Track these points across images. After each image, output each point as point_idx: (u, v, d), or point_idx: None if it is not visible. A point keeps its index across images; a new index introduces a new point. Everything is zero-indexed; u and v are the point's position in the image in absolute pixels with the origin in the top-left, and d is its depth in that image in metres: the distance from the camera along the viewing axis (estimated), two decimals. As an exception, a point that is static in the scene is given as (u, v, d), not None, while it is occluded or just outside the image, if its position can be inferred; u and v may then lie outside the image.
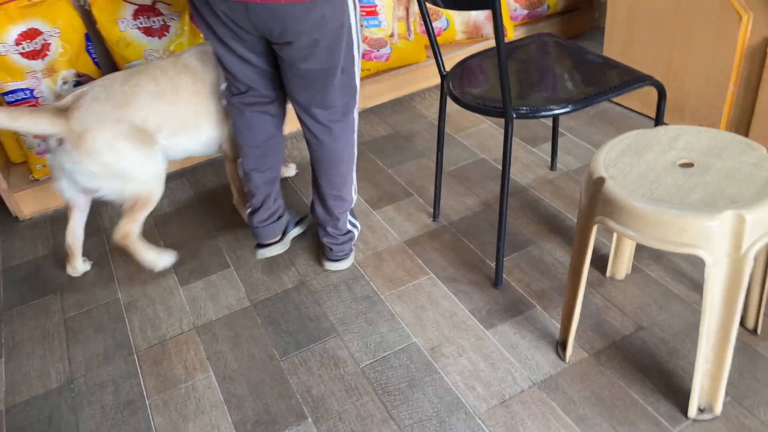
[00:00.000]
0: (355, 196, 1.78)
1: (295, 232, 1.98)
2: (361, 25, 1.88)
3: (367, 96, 2.67)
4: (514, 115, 1.49)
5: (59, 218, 2.26)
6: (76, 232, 1.91)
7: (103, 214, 2.24)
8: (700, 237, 1.13)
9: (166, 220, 2.19)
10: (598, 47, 2.81)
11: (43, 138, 1.72)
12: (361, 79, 2.65)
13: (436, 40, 1.67)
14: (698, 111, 2.12)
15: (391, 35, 2.58)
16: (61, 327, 1.80)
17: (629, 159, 1.29)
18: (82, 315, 1.83)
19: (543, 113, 1.50)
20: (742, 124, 2.01)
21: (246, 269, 1.92)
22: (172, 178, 2.40)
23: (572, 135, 2.31)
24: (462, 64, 1.76)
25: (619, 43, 2.32)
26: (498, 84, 1.62)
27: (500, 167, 2.20)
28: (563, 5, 2.85)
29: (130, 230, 1.80)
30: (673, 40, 2.10)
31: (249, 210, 1.84)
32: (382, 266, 1.85)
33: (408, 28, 2.12)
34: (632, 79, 1.53)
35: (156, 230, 2.15)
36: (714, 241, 1.13)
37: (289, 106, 1.73)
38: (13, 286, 1.98)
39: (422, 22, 2.45)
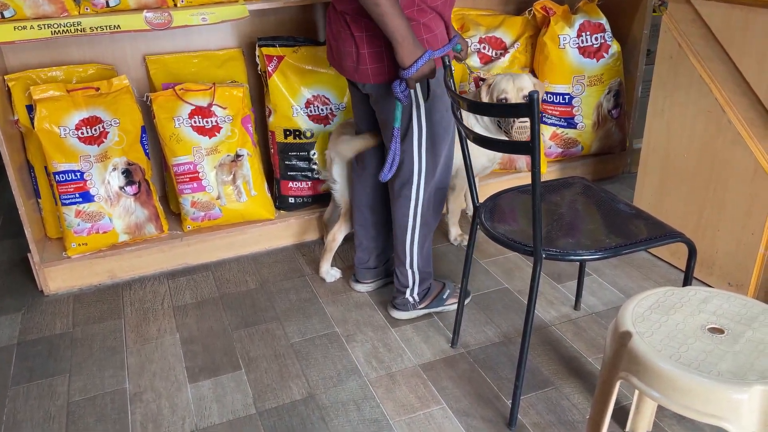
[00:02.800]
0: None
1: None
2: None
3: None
4: (544, 256, 1.51)
5: (82, 298, 2.29)
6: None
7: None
8: (728, 409, 1.09)
9: (185, 311, 2.20)
10: (628, 192, 2.87)
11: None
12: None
13: (472, 172, 1.73)
14: (727, 270, 2.11)
15: (218, 197, 2.43)
16: (63, 411, 1.77)
17: (657, 316, 1.28)
18: (87, 401, 1.81)
19: (571, 257, 1.52)
20: (772, 288, 2.00)
21: (257, 373, 1.89)
22: (197, 270, 2.44)
23: (598, 276, 2.31)
24: (495, 198, 1.81)
25: (650, 193, 2.37)
26: (529, 222, 1.66)
27: (523, 300, 2.19)
28: (597, 148, 2.95)
29: (336, 235, 2.28)
30: (705, 197, 2.14)
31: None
32: (394, 389, 1.81)
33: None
34: (663, 234, 1.55)
35: (174, 320, 2.15)
36: (742, 415, 1.09)
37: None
38: (25, 361, 1.98)
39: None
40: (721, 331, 1.23)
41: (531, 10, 2.80)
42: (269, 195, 2.53)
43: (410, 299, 2.07)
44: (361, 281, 2.25)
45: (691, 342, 1.20)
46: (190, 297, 2.28)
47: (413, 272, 2.03)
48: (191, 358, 1.97)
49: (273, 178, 2.61)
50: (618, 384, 1.25)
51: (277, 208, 2.59)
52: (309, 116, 2.47)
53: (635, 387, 1.20)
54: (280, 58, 2.40)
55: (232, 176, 2.42)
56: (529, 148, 1.35)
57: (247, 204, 2.46)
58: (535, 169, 1.37)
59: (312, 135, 2.49)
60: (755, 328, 1.23)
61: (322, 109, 2.47)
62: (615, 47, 2.76)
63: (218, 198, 2.42)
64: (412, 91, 1.76)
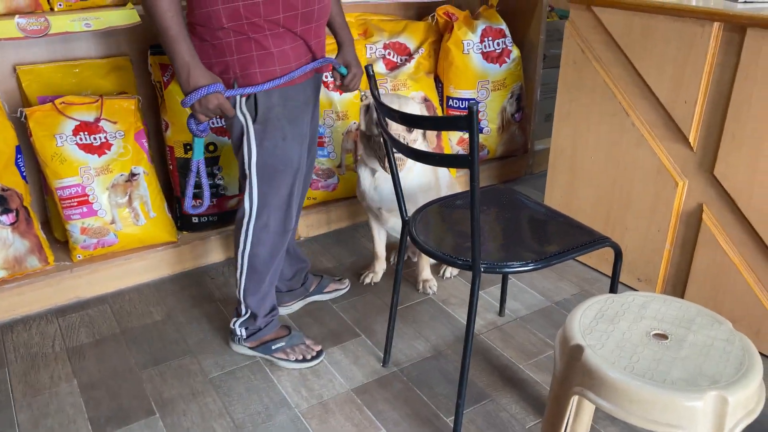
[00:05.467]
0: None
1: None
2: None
3: (310, 225, 2.62)
4: (482, 269, 1.47)
5: (-48, 346, 1.97)
6: None
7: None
8: (685, 417, 1.10)
9: (82, 353, 1.95)
10: (534, 193, 2.95)
11: None
12: (306, 207, 2.60)
13: (400, 185, 1.66)
14: (636, 266, 2.21)
15: (339, 166, 2.59)
16: (-59, 489, 1.50)
17: (604, 326, 1.27)
18: (-30, 473, 1.54)
19: (506, 270, 1.49)
20: (679, 283, 2.10)
21: (174, 417, 1.71)
22: (92, 304, 2.19)
23: (516, 280, 2.33)
24: (423, 210, 1.75)
25: (559, 193, 2.43)
26: (460, 235, 1.62)
27: (448, 309, 2.16)
28: (502, 151, 2.99)
29: None
30: (612, 196, 2.22)
31: None
32: (328, 418, 1.70)
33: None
34: (592, 240, 1.56)
35: (69, 364, 1.90)
36: (698, 422, 1.10)
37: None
38: None
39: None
40: (665, 337, 1.24)
41: (433, 15, 2.79)
42: (170, 216, 2.32)
43: (237, 331, 1.88)
44: (279, 304, 2.12)
45: (640, 351, 1.20)
46: (86, 335, 2.04)
47: (245, 305, 1.83)
48: (94, 406, 1.74)
49: (173, 196, 2.40)
50: (573, 400, 1.23)
51: (180, 229, 2.39)
52: (211, 128, 2.29)
53: (591, 401, 1.18)
54: (176, 67, 2.20)
55: (127, 197, 2.19)
56: (468, 161, 1.30)
57: (146, 227, 2.24)
58: (474, 183, 1.32)
59: (216, 149, 2.32)
60: (695, 330, 1.26)
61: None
62: (515, 52, 2.82)
63: (112, 222, 2.18)
64: (241, 115, 1.57)
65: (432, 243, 1.58)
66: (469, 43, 2.69)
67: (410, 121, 1.35)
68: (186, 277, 2.35)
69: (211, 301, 2.21)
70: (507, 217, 1.72)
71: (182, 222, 2.39)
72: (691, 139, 1.94)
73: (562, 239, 1.58)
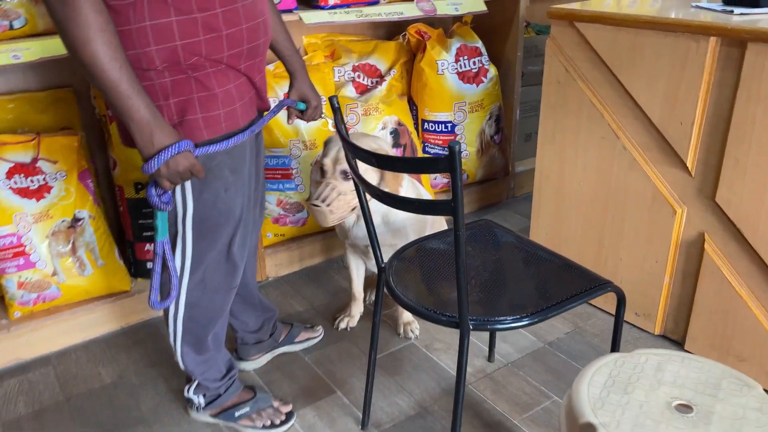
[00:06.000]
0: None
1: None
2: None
3: (278, 264, 2.41)
4: (471, 327, 1.28)
5: None
6: None
7: None
8: None
9: (19, 428, 1.71)
10: (518, 219, 2.78)
11: None
12: (274, 244, 2.40)
13: (374, 231, 1.47)
14: (633, 300, 2.04)
15: (308, 199, 2.39)
16: None
17: (617, 397, 1.09)
18: None
19: (498, 326, 1.30)
20: (681, 319, 1.93)
21: (123, 505, 1.48)
22: (33, 366, 1.95)
23: (505, 317, 2.14)
24: (400, 255, 1.56)
25: (546, 221, 2.26)
26: (444, 284, 1.43)
27: (432, 356, 1.97)
28: (482, 175, 2.83)
29: None
30: (604, 224, 2.06)
31: None
32: (301, 497, 1.49)
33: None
34: (592, 285, 1.38)
35: (4, 442, 1.66)
36: None
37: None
38: None
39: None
40: (689, 408, 1.06)
41: (404, 34, 2.62)
42: (122, 262, 2.10)
43: (194, 399, 1.67)
44: (245, 358, 1.90)
45: (663, 429, 1.02)
46: (24, 406, 1.80)
47: (187, 370, 1.61)
48: (30, 495, 1.51)
49: (125, 240, 2.18)
50: (587, 490, 1.04)
51: (133, 275, 2.16)
52: (164, 165, 2.07)
53: (608, 492, 0.99)
54: (123, 99, 1.99)
55: (70, 246, 1.96)
56: (450, 207, 1.12)
57: (93, 277, 2.01)
58: (458, 232, 1.13)
59: (170, 187, 2.10)
60: (722, 398, 1.08)
61: (179, 156, 2.09)
62: (493, 71, 2.66)
63: (54, 274, 1.95)
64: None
65: (412, 296, 1.39)
66: (443, 63, 2.52)
67: (385, 164, 1.16)
68: (141, 329, 2.12)
69: (169, 358, 1.99)
70: (494, 260, 1.53)
71: (136, 268, 2.17)
72: (688, 163, 1.79)
73: (558, 286, 1.40)
